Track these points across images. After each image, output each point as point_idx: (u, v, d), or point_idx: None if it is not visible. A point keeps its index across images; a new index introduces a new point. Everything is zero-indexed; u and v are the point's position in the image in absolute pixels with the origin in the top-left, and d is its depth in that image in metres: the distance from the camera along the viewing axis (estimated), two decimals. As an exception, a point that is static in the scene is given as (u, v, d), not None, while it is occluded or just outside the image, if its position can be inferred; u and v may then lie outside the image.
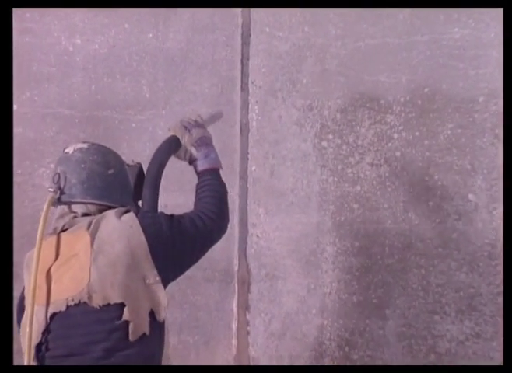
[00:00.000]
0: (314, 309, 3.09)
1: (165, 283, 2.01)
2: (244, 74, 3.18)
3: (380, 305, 3.03)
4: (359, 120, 3.08)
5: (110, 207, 2.12)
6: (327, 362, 3.06)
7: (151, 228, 2.02)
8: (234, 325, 3.16)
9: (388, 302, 3.03)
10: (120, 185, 2.18)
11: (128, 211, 2.08)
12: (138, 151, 3.15)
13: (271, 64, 3.16)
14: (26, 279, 2.10)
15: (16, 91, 3.24)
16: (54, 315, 1.98)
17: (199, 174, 2.28)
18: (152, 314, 1.98)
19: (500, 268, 2.91)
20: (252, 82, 3.18)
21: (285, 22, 3.14)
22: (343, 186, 3.09)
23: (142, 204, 2.19)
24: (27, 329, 1.96)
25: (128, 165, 2.27)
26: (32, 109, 3.25)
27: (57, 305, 1.97)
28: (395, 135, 3.04)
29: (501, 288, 2.91)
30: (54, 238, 2.08)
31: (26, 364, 1.95)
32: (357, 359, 3.04)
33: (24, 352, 1.99)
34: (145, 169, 2.26)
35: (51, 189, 2.10)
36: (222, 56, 3.20)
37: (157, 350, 2.05)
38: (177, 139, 2.29)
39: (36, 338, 1.97)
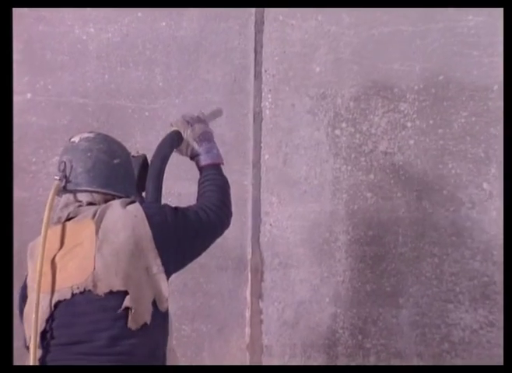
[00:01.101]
0: (327, 298, 3.09)
1: (167, 274, 2.02)
2: (257, 62, 3.18)
3: (394, 294, 3.03)
4: (373, 109, 3.07)
5: (115, 197, 2.13)
6: (340, 351, 3.06)
7: (156, 218, 2.03)
8: (247, 314, 3.17)
9: (402, 291, 3.02)
10: (125, 175, 2.19)
11: (133, 202, 2.09)
12: (151, 140, 3.13)
13: (285, 53, 3.15)
14: (30, 267, 2.11)
15: (30, 79, 3.25)
16: (58, 303, 1.99)
17: (201, 169, 2.30)
18: (154, 304, 1.99)
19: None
20: (265, 71, 3.17)
21: (298, 11, 3.13)
22: (356, 175, 3.08)
23: (146, 197, 2.21)
24: (33, 316, 1.97)
25: (133, 156, 2.28)
26: (46, 97, 3.25)
27: (62, 293, 1.98)
28: (409, 124, 3.03)
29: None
30: (58, 227, 2.08)
31: (31, 351, 1.95)
32: (370, 347, 3.04)
33: (29, 340, 1.99)
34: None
35: (57, 178, 2.11)
36: (235, 44, 3.19)
37: (161, 341, 2.05)
38: (180, 134, 2.30)
39: (40, 326, 1.97)
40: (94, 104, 3.25)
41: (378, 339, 3.04)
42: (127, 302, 1.94)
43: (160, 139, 2.30)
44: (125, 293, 1.95)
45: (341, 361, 3.05)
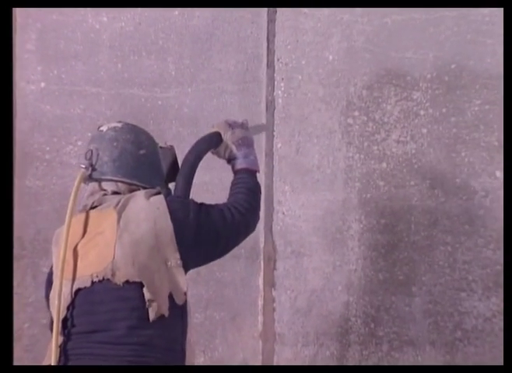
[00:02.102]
0: (340, 286, 3.10)
1: (185, 268, 2.03)
2: (270, 51, 3.18)
3: (407, 282, 3.03)
4: (386, 97, 3.07)
5: (139, 188, 2.14)
6: (352, 339, 3.07)
7: (178, 213, 2.04)
8: (260, 302, 3.18)
9: (414, 279, 3.03)
10: (151, 166, 2.20)
11: (158, 193, 2.10)
12: (164, 129, 3.16)
13: (297, 41, 3.15)
14: (55, 254, 2.14)
15: (44, 69, 3.26)
16: (78, 290, 2.01)
17: (236, 172, 2.29)
18: (171, 297, 2.00)
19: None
20: (278, 59, 3.17)
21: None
22: (369, 164, 3.08)
23: (175, 191, 2.21)
24: (56, 302, 1.99)
25: (161, 147, 2.28)
26: (59, 86, 3.27)
27: (83, 280, 2.01)
28: (422, 112, 3.03)
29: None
30: (83, 215, 2.10)
31: (54, 336, 1.98)
32: (383, 335, 3.04)
33: (53, 326, 2.02)
34: (177, 152, 2.28)
35: (83, 166, 2.13)
36: (247, 33, 3.19)
37: (179, 334, 2.07)
38: (219, 135, 2.30)
39: (61, 312, 2.00)
40: (107, 93, 3.25)
41: (391, 327, 3.04)
42: (146, 294, 1.95)
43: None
44: (141, 284, 1.97)
45: (354, 349, 3.06)
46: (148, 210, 2.02)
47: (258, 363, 3.14)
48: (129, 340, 1.95)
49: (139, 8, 3.23)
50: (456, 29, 2.98)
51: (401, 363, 3.00)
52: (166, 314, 1.97)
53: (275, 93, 3.17)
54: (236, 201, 2.17)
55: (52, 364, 1.97)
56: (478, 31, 2.96)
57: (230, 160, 2.31)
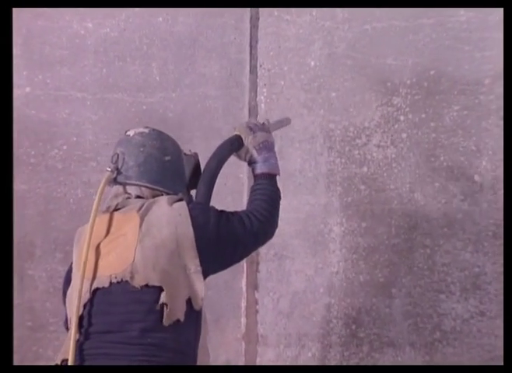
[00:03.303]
0: (322, 288, 3.14)
1: (204, 274, 2.05)
2: (253, 57, 3.21)
3: (387, 284, 3.07)
4: (366, 103, 3.11)
5: (163, 193, 2.17)
6: (334, 340, 3.11)
7: (199, 219, 2.06)
8: (243, 304, 3.21)
9: (394, 281, 3.07)
10: (175, 172, 2.22)
11: (180, 200, 2.12)
12: (148, 133, 3.18)
13: (280, 47, 3.19)
14: (75, 252, 2.17)
15: (29, 74, 3.28)
16: (96, 289, 2.04)
17: (256, 177, 2.29)
18: (189, 302, 2.02)
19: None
20: (261, 65, 3.21)
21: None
22: (350, 168, 3.13)
23: (196, 196, 2.23)
24: (75, 302, 2.02)
25: (185, 154, 2.30)
26: (44, 91, 3.29)
27: (101, 280, 2.03)
28: (402, 117, 3.08)
29: (505, 268, 2.96)
30: (106, 216, 2.13)
31: (73, 333, 2.00)
32: (364, 337, 3.08)
33: (69, 323, 2.07)
34: (201, 159, 2.31)
35: (109, 169, 2.16)
36: (231, 39, 3.23)
37: (193, 338, 2.08)
38: (241, 139, 2.30)
39: (79, 310, 2.03)
40: (92, 98, 3.28)
41: (371, 328, 3.08)
42: (163, 298, 1.97)
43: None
44: (160, 288, 1.98)
45: (335, 350, 3.10)
46: (170, 216, 2.05)
47: (241, 364, 3.17)
48: (142, 341, 1.97)
49: (124, 15, 3.26)
50: (434, 36, 3.04)
51: (381, 363, 3.04)
52: (182, 319, 1.99)
53: (257, 98, 3.21)
54: (256, 209, 2.18)
55: (69, 364, 1.99)
56: (456, 38, 3.01)
57: (251, 163, 2.32)
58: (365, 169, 3.11)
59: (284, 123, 2.64)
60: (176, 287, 2.00)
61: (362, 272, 3.10)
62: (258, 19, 3.20)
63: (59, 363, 2.06)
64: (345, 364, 3.07)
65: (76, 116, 3.27)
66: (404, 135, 3.07)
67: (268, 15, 3.19)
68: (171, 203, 2.09)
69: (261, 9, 3.18)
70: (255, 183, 2.29)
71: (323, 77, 3.15)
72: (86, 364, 2.00)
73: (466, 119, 3.01)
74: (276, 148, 2.24)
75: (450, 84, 3.03)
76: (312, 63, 3.17)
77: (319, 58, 3.16)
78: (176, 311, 1.99)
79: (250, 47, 3.21)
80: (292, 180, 3.16)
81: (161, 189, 2.18)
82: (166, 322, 1.97)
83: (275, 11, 3.18)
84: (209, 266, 2.07)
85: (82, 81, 3.29)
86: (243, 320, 3.20)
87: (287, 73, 3.19)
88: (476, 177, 3.00)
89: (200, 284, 2.03)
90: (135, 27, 3.27)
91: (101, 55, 3.29)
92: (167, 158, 2.20)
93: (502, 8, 2.78)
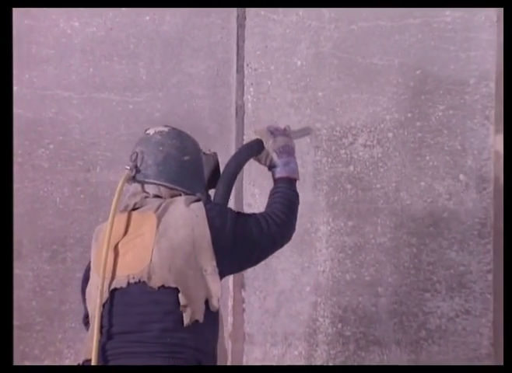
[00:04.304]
0: (308, 287, 3.15)
1: (221, 275, 2.05)
2: (240, 56, 3.22)
3: (373, 283, 3.09)
4: (353, 102, 3.13)
5: (181, 193, 2.16)
6: (320, 338, 3.12)
7: (215, 221, 2.06)
8: (230, 303, 3.22)
9: (381, 280, 3.09)
10: (193, 172, 2.22)
11: (197, 200, 2.12)
12: (135, 133, 3.16)
13: (266, 47, 3.20)
14: (93, 251, 2.18)
15: (16, 73, 3.26)
16: (114, 290, 2.04)
17: (275, 181, 2.29)
18: (207, 303, 2.02)
19: (490, 246, 2.97)
20: (247, 65, 3.22)
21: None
22: (336, 167, 3.14)
23: (214, 198, 2.24)
24: (97, 301, 2.03)
25: (205, 153, 2.30)
26: (31, 90, 3.29)
27: (119, 280, 2.04)
28: (388, 117, 3.10)
29: (491, 266, 2.97)
30: (124, 216, 2.13)
31: (95, 334, 2.00)
32: (350, 335, 3.10)
33: (89, 319, 2.11)
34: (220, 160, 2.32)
35: (128, 167, 2.15)
36: (217, 39, 3.24)
37: (211, 338, 2.08)
38: (261, 143, 2.31)
39: (99, 310, 2.03)
40: (79, 97, 3.28)
41: (358, 327, 3.10)
42: (182, 300, 1.98)
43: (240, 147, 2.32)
44: (176, 289, 1.99)
45: (322, 349, 3.11)
46: (186, 217, 2.05)
47: (228, 363, 3.17)
48: (162, 341, 1.98)
49: (111, 14, 3.26)
50: (420, 37, 3.06)
51: (367, 362, 3.06)
52: (201, 319, 2.00)
53: (244, 98, 3.22)
54: (274, 212, 2.18)
55: (92, 364, 1.99)
56: (442, 38, 3.03)
57: (271, 167, 2.31)
58: (351, 168, 3.12)
59: (306, 131, 2.66)
60: (192, 289, 2.00)
61: (348, 271, 3.11)
62: (245, 18, 3.20)
63: (81, 363, 2.07)
64: (331, 362, 3.09)
65: (63, 115, 3.27)
66: (390, 135, 3.09)
67: (255, 15, 3.20)
68: (188, 204, 2.08)
69: (247, 9, 3.19)
70: (274, 186, 2.28)
71: (309, 76, 3.17)
72: (109, 364, 2.00)
73: (452, 118, 3.03)
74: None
75: (435, 84, 3.05)
76: (299, 62, 3.18)
77: (305, 58, 3.17)
78: (195, 313, 1.99)
79: (237, 46, 3.22)
80: (279, 179, 3.16)
81: (179, 188, 2.17)
82: (186, 323, 1.98)
83: (262, 11, 3.18)
84: (225, 268, 2.08)
85: (68, 81, 3.28)
86: (229, 319, 3.21)
87: (274, 72, 3.20)
88: (462, 176, 3.03)
89: (216, 285, 2.03)
90: (121, 26, 3.27)
91: (88, 54, 3.29)
92: (186, 157, 2.20)
93: (487, 9, 2.81)
